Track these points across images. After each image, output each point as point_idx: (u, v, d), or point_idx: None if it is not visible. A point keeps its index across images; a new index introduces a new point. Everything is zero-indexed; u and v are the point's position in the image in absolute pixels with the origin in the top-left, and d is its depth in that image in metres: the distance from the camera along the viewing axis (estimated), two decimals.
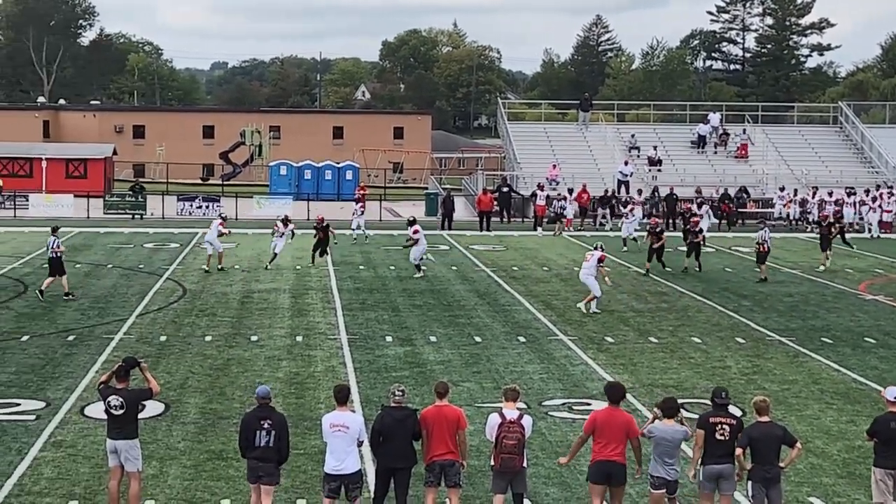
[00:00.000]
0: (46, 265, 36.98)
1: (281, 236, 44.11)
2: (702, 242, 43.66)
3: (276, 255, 43.81)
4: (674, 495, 16.46)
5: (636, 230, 51.60)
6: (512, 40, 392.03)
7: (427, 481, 16.42)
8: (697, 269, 43.01)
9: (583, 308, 34.43)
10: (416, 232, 41.32)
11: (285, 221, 44.67)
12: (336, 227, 48.42)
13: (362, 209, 53.76)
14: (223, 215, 46.03)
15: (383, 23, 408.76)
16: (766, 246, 41.45)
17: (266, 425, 16.18)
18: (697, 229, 43.28)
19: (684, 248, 44.20)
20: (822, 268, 43.79)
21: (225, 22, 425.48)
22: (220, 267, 42.49)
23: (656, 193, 64.21)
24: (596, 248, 35.35)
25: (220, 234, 42.97)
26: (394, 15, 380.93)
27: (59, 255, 35.70)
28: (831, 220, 46.73)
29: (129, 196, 67.74)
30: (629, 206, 53.88)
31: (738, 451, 16.03)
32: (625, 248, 49.58)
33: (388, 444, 16.24)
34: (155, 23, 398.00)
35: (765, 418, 16.22)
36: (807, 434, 21.37)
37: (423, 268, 41.63)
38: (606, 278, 36.63)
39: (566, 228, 59.14)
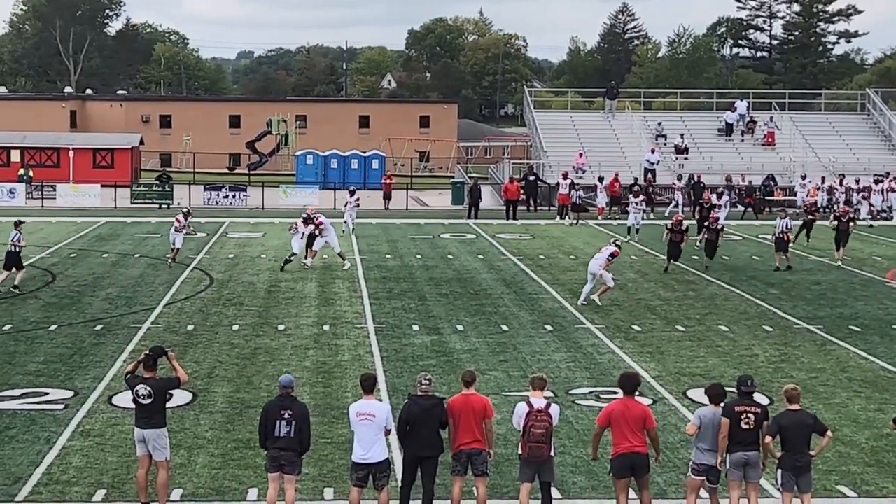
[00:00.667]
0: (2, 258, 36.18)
1: (301, 236, 40.51)
2: (717, 238, 41.65)
3: (292, 256, 40.12)
4: (714, 486, 16.44)
5: (643, 220, 51.92)
6: (538, 28, 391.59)
7: (454, 470, 16.44)
8: (706, 266, 41.05)
9: (597, 300, 33.62)
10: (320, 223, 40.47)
11: (307, 220, 40.62)
12: (359, 216, 48.60)
13: (357, 202, 51.99)
14: (185, 210, 43.57)
15: (409, 11, 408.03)
16: (788, 235, 41.30)
17: (287, 415, 16.21)
18: (716, 227, 41.57)
19: (700, 243, 43.21)
20: (839, 262, 42.46)
21: (251, 11, 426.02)
22: (170, 264, 40.66)
23: (692, 179, 63.59)
24: (612, 244, 34.69)
25: (179, 230, 41.13)
26: (420, 3, 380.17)
27: (18, 249, 35.30)
28: (851, 214, 45.25)
29: (155, 186, 67.80)
30: (640, 197, 52.75)
31: (768, 439, 16.00)
32: (626, 238, 48.78)
33: (415, 432, 16.26)
34: (181, 12, 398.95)
35: (795, 406, 16.18)
36: (835, 422, 21.30)
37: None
38: (609, 273, 35.81)
39: (597, 217, 59.13)
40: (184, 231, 41.52)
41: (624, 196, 60.73)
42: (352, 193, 51.91)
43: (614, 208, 60.88)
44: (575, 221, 56.48)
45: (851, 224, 43.40)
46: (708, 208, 47.34)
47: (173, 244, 41.32)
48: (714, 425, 16.19)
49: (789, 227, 41.53)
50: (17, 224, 36.33)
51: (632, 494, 16.52)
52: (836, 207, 61.20)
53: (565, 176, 61.58)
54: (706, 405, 16.54)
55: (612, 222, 57.12)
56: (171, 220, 39.68)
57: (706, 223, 42.83)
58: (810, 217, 48.27)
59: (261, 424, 16.51)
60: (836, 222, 42.92)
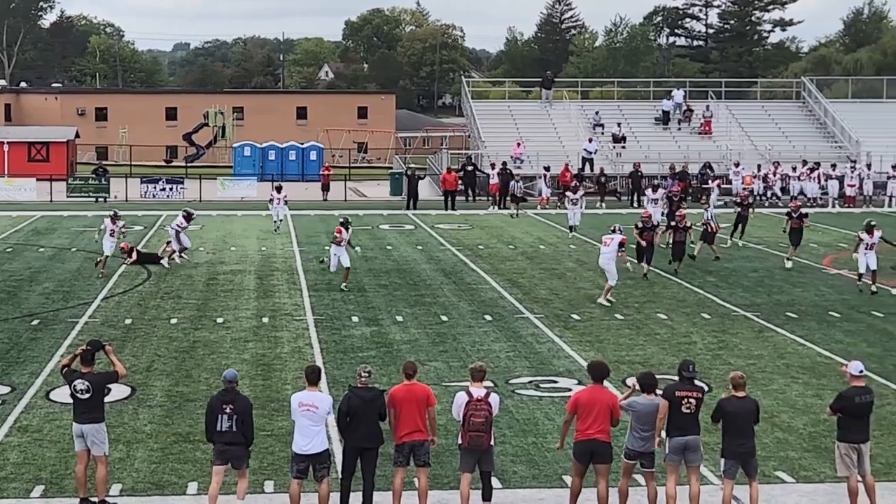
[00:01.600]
0: None
1: (339, 244, 34.84)
2: (685, 237, 38.38)
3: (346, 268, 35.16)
4: (651, 469, 16.53)
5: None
6: (475, 18, 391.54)
7: (396, 461, 16.43)
8: (675, 270, 37.86)
9: (604, 302, 32.39)
10: None
11: (346, 225, 35.35)
12: (297, 207, 48.51)
13: (285, 198, 50.40)
14: (114, 213, 39.41)
15: (346, 2, 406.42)
16: (712, 226, 40.87)
17: (228, 410, 16.17)
18: (684, 224, 38.04)
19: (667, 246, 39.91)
20: (789, 263, 39.63)
21: (187, 2, 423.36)
22: (101, 273, 37.36)
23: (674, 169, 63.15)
24: (615, 231, 33.36)
25: (112, 235, 38.15)
26: None
27: None
28: (803, 211, 41.81)
29: (92, 179, 67.24)
30: (579, 192, 50.28)
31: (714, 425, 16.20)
32: (570, 235, 47.78)
33: (355, 424, 16.24)
34: (116, 4, 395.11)
35: (741, 393, 16.33)
36: (773, 408, 21.46)
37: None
38: (627, 263, 35.58)
39: (540, 206, 59.31)
40: (113, 236, 38.12)
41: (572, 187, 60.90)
42: (279, 190, 50.42)
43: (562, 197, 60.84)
44: (515, 213, 56.24)
45: (804, 222, 40.53)
46: (677, 202, 45.07)
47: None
48: (648, 413, 16.33)
49: (713, 217, 41.38)
50: None
51: (635, 489, 16.56)
52: (789, 204, 61.73)
53: (493, 166, 61.68)
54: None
55: (552, 212, 57.18)
56: (110, 213, 39.16)
57: (674, 221, 38.78)
58: (743, 208, 45.04)
59: (206, 418, 16.48)
60: (787, 220, 40.30)
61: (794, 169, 63.47)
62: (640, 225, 36.55)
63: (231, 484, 16.62)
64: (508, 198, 57.62)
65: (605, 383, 16.82)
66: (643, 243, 36.30)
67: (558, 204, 58.96)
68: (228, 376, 16.57)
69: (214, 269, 38.77)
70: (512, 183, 57.48)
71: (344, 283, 34.55)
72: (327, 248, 38.10)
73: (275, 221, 49.09)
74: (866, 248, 33.92)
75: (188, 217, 40.33)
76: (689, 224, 38.68)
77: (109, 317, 30.52)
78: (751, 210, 45.09)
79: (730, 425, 16.20)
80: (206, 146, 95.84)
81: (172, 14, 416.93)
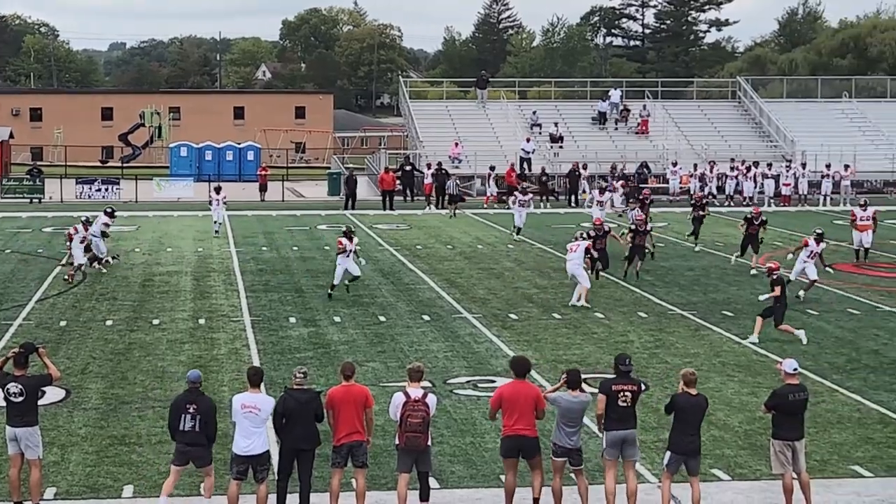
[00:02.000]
0: None
1: (346, 255, 33.13)
2: (645, 240, 37.62)
3: (352, 277, 33.69)
4: (579, 467, 16.57)
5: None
6: (413, 18, 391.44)
7: (334, 462, 16.39)
8: (636, 273, 36.67)
9: (577, 303, 31.91)
10: None
11: (349, 235, 33.38)
12: (234, 208, 48.35)
13: (225, 199, 49.46)
14: (85, 219, 37.93)
15: (283, 1, 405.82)
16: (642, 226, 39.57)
17: (191, 410, 16.15)
18: (645, 229, 37.18)
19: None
20: (753, 271, 38.30)
21: (122, 2, 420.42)
22: (71, 279, 36.07)
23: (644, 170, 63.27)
24: (582, 238, 33.16)
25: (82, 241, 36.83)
26: None
27: None
28: (763, 218, 40.21)
29: (26, 180, 66.66)
30: (527, 195, 49.75)
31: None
32: (517, 237, 46.52)
33: (291, 425, 16.19)
34: (51, 3, 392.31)
35: (693, 390, 16.46)
36: (709, 406, 21.55)
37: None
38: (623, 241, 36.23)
39: (486, 205, 59.72)
40: (83, 243, 36.64)
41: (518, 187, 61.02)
42: (218, 191, 49.51)
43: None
44: (453, 214, 56.10)
45: (762, 229, 39.17)
46: (648, 205, 44.37)
47: (73, 259, 36.36)
48: (572, 409, 16.43)
49: (640, 216, 40.26)
50: None
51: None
52: (706, 190, 62.15)
53: (429, 166, 61.74)
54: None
55: (490, 212, 57.26)
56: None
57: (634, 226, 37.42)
58: (699, 213, 44.12)
59: (169, 418, 16.46)
60: (745, 224, 38.97)
61: (733, 169, 63.81)
62: (591, 234, 34.66)
63: (188, 485, 16.50)
64: (446, 198, 57.63)
65: (530, 376, 16.91)
66: (594, 253, 34.35)
67: (506, 203, 59.08)
68: (192, 377, 16.56)
69: (150, 270, 38.51)
70: (449, 183, 57.53)
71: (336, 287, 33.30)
72: (265, 248, 37.96)
73: (215, 222, 48.32)
74: (808, 256, 33.53)
75: (112, 215, 39.62)
76: (649, 228, 38.24)
77: (44, 319, 30.25)
78: (705, 211, 44.57)
79: (679, 420, 16.35)
80: (143, 146, 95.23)
81: (108, 13, 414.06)
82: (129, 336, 28.12)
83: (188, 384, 16.49)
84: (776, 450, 16.70)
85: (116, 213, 41.22)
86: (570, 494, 16.68)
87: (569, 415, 16.41)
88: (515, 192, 49.99)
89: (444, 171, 61.68)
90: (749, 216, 39.42)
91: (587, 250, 32.58)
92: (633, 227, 36.59)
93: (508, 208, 50.25)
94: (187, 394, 16.41)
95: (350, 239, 33.08)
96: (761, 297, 28.92)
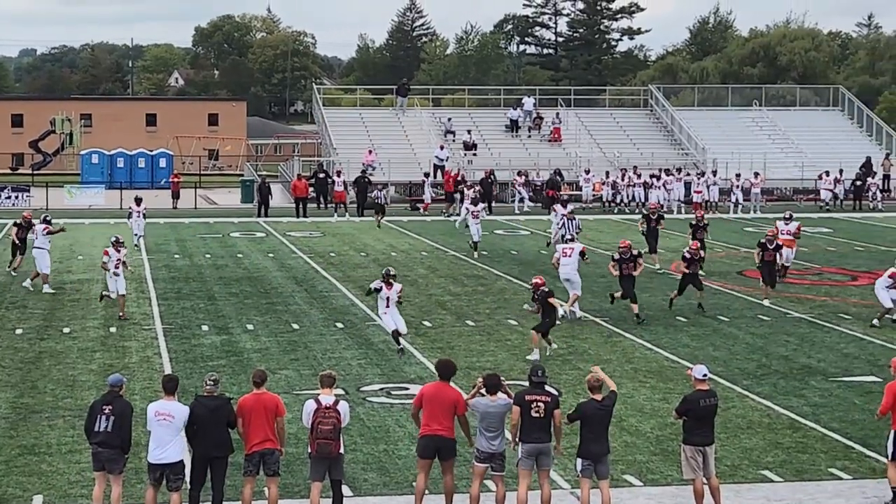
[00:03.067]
0: None
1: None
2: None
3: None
4: (501, 472, 16.62)
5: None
6: (326, 25, 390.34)
7: (246, 471, 16.34)
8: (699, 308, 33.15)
9: (565, 310, 30.18)
10: None
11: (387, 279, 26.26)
12: (146, 215, 47.99)
13: (145, 210, 47.97)
14: (117, 239, 33.19)
15: (195, 8, 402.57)
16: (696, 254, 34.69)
17: (107, 410, 16.07)
18: (699, 257, 34.05)
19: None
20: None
21: (32, 6, 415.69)
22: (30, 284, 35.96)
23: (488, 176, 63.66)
24: (572, 240, 32.90)
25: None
26: (206, 0, 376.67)
27: None
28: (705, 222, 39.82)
29: None
30: (479, 205, 46.02)
31: (562, 421, 16.34)
32: (475, 255, 43.75)
33: (202, 432, 16.13)
34: None
35: (598, 396, 16.54)
36: (620, 412, 21.67)
37: None
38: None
39: (424, 210, 60.59)
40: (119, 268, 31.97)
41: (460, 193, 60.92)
42: (138, 202, 47.19)
43: (448, 205, 61.13)
44: (378, 224, 53.81)
45: (706, 231, 38.75)
46: (703, 228, 39.84)
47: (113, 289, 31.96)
48: (489, 414, 16.48)
49: (694, 244, 38.04)
50: None
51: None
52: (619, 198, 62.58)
53: (339, 174, 61.67)
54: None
55: (403, 219, 57.27)
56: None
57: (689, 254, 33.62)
58: (652, 223, 42.05)
59: (86, 419, 16.39)
60: (692, 230, 37.98)
61: (639, 176, 64.11)
62: (616, 256, 31.84)
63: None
64: (374, 208, 56.19)
65: (452, 382, 16.96)
66: (615, 272, 32.00)
67: (446, 211, 59.14)
68: (112, 381, 16.53)
69: (61, 278, 38.12)
70: (376, 192, 56.97)
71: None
72: (177, 255, 37.69)
73: (135, 234, 46.17)
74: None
75: (49, 223, 37.74)
76: (703, 255, 35.09)
77: None
78: (660, 224, 42.32)
79: (586, 427, 16.46)
80: (53, 153, 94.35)
81: (18, 19, 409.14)
82: (40, 345, 27.83)
83: (109, 387, 16.44)
84: (687, 455, 16.83)
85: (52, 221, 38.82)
86: (487, 502, 16.74)
87: (487, 419, 16.47)
88: (469, 205, 45.45)
89: (366, 179, 61.59)
90: (696, 221, 39.75)
91: (582, 253, 31.80)
92: (686, 255, 33.19)
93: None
94: (105, 396, 16.36)
95: (390, 284, 26.08)
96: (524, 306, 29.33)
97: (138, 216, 46.85)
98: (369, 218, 56.44)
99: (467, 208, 45.45)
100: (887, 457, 17.63)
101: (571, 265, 31.51)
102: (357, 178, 61.94)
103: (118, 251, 31.99)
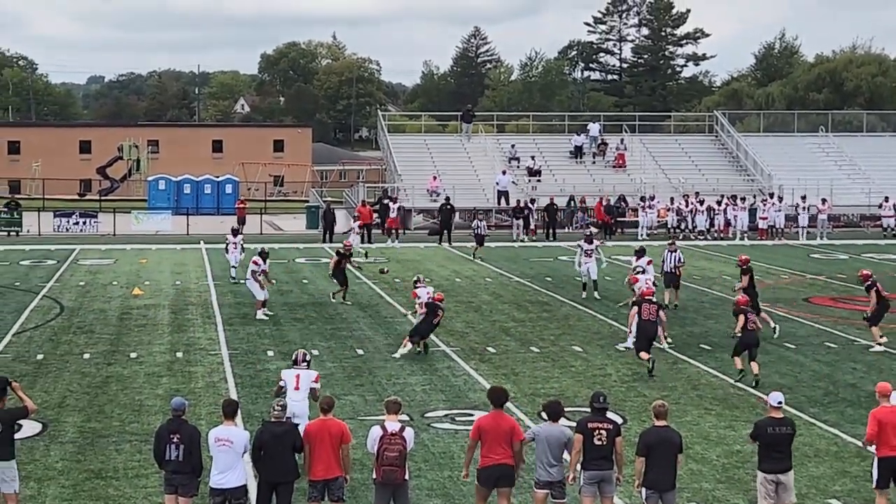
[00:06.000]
0: None
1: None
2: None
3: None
4: (563, 499, 16.56)
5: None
6: (391, 52, 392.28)
7: (310, 496, 16.40)
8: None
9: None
10: None
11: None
12: (212, 241, 48.17)
13: (242, 241, 44.87)
14: (262, 250, 36.83)
15: (262, 35, 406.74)
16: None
17: (175, 439, 16.16)
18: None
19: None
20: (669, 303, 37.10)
21: (101, 35, 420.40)
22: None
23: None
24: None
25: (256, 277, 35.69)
26: (272, 27, 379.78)
27: None
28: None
29: (4, 213, 66.47)
30: (596, 242, 41.53)
31: (639, 460, 16.18)
32: (595, 296, 39.91)
33: (267, 458, 16.20)
34: (29, 36, 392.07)
35: (661, 423, 16.43)
36: (686, 440, 21.44)
37: None
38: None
39: (531, 238, 60.93)
40: (258, 278, 35.50)
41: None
42: (235, 233, 44.46)
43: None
44: (474, 256, 52.19)
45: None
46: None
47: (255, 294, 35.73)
48: (550, 442, 16.42)
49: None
50: None
51: None
52: (683, 224, 62.27)
53: (394, 200, 61.72)
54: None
55: (467, 244, 57.30)
56: (22, 247, 38.48)
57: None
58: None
59: (154, 447, 16.47)
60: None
61: (701, 202, 63.80)
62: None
63: None
64: (475, 240, 53.89)
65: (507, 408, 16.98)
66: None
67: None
68: (175, 405, 16.57)
69: (128, 303, 38.43)
70: (475, 222, 55.15)
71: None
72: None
73: (233, 266, 43.85)
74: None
75: (264, 256, 36.45)
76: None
77: (21, 352, 30.14)
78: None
79: (650, 457, 16.26)
80: (121, 179, 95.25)
81: (86, 47, 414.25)
82: (107, 369, 28.04)
83: (172, 412, 16.51)
84: (759, 482, 16.74)
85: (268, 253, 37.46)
86: None
87: (549, 447, 16.41)
88: (582, 242, 40.83)
89: (449, 206, 61.36)
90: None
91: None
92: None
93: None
94: (170, 422, 16.42)
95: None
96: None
97: (235, 247, 43.88)
98: (433, 243, 56.41)
99: (580, 245, 40.91)
100: (873, 484, 17.40)
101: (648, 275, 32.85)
102: (441, 205, 61.97)
103: (264, 261, 35.21)
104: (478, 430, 16.69)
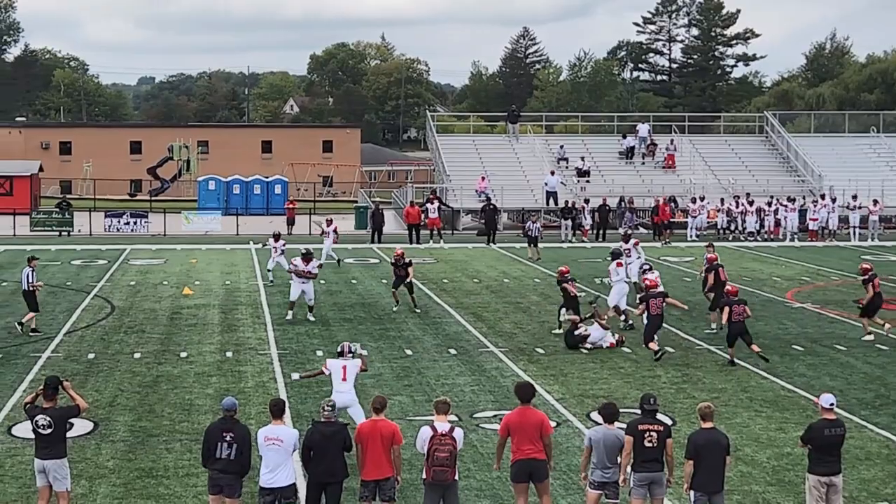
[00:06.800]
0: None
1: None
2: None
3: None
4: (616, 500, 16.54)
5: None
6: (440, 53, 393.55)
7: (361, 496, 16.46)
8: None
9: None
10: None
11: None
12: (261, 241, 48.30)
13: (283, 246, 44.22)
14: (307, 251, 36.50)
15: (311, 36, 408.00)
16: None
17: (228, 438, 16.24)
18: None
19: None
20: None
21: (151, 36, 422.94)
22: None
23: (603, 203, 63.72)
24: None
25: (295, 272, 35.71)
26: (321, 28, 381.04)
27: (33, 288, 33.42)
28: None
29: (55, 213, 67.09)
30: (633, 241, 40.48)
31: (688, 464, 16.13)
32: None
33: (318, 458, 16.27)
34: (81, 38, 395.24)
35: (708, 424, 16.37)
36: (736, 442, 21.48)
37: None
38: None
39: (584, 239, 60.88)
40: (300, 276, 35.37)
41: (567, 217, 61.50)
42: (277, 238, 44.00)
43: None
44: (536, 256, 51.81)
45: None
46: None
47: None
48: (605, 444, 16.42)
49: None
50: (31, 260, 34.36)
51: None
52: (733, 225, 61.97)
53: (431, 201, 61.74)
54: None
55: (516, 245, 57.25)
56: (73, 247, 38.74)
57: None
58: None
59: (203, 445, 16.52)
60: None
61: (751, 203, 63.40)
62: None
63: None
64: (528, 242, 53.17)
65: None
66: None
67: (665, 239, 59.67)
68: (227, 405, 16.67)
69: (178, 303, 38.63)
70: (528, 223, 54.60)
71: None
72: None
73: (269, 270, 44.02)
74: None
75: (307, 258, 35.91)
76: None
77: (72, 351, 30.36)
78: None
79: (698, 459, 16.22)
80: (171, 180, 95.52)
81: (137, 48, 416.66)
82: (157, 369, 28.20)
83: (223, 412, 16.60)
84: (810, 485, 16.63)
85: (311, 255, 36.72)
86: None
87: (604, 449, 16.42)
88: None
89: (492, 206, 61.40)
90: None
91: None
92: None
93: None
94: (223, 421, 16.51)
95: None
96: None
97: (276, 252, 43.50)
98: (480, 244, 56.43)
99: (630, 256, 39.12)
100: None
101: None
102: (484, 206, 62.07)
103: (306, 263, 35.13)
104: (506, 427, 16.76)
